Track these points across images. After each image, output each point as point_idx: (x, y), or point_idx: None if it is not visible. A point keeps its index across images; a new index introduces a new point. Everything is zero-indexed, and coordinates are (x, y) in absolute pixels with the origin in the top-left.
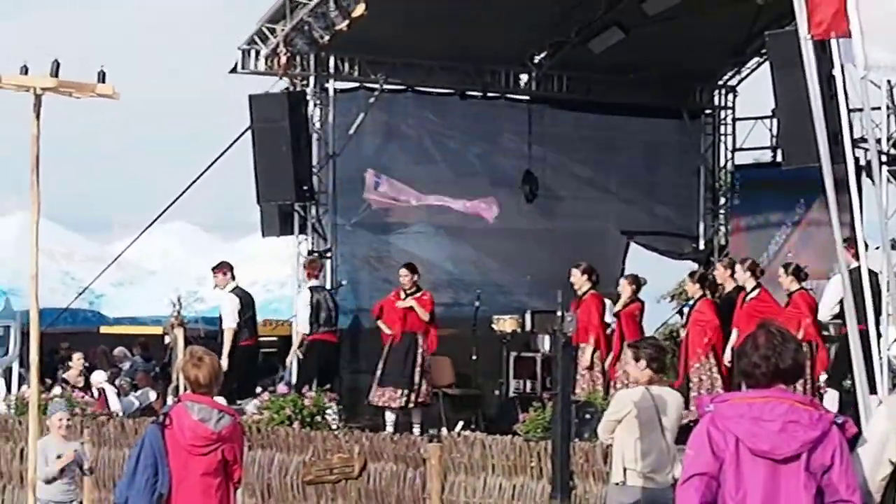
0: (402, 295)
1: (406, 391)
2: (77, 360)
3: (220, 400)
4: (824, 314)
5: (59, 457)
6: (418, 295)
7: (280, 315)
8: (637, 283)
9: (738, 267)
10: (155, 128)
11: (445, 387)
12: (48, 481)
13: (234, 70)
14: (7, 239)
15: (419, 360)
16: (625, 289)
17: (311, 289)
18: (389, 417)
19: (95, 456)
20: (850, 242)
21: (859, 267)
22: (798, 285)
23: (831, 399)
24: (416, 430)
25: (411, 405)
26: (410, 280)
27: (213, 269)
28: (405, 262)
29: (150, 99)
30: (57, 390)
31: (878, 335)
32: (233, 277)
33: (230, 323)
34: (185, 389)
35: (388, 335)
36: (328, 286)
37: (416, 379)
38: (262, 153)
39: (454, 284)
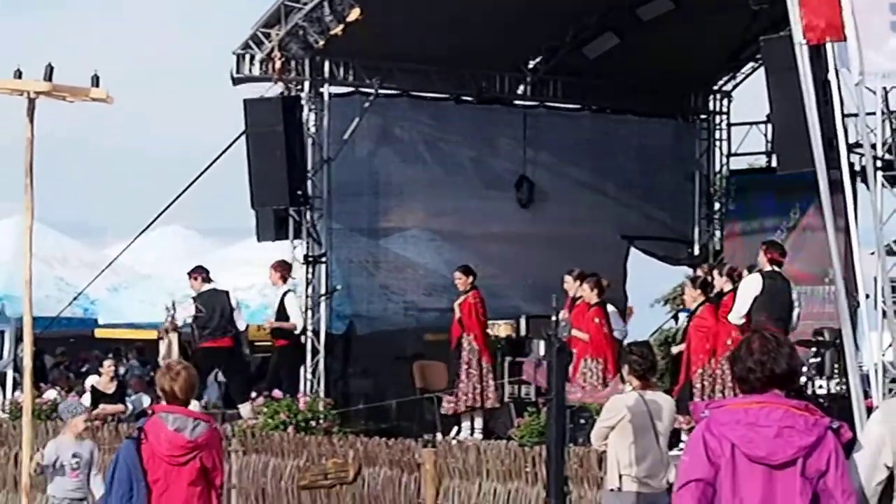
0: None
1: (464, 395)
2: (108, 367)
3: (195, 406)
4: (736, 318)
5: (74, 455)
6: (463, 298)
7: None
8: (599, 286)
9: (715, 273)
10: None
11: (440, 391)
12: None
13: (233, 78)
14: (3, 244)
15: (464, 363)
16: (587, 293)
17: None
18: (464, 424)
19: None
20: (769, 246)
21: (774, 271)
22: (731, 286)
23: None
24: (479, 434)
25: (476, 407)
26: (464, 282)
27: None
28: (459, 266)
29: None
30: (51, 394)
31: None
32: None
33: None
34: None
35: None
36: (323, 291)
37: (465, 382)
38: (257, 158)
39: (449, 289)
